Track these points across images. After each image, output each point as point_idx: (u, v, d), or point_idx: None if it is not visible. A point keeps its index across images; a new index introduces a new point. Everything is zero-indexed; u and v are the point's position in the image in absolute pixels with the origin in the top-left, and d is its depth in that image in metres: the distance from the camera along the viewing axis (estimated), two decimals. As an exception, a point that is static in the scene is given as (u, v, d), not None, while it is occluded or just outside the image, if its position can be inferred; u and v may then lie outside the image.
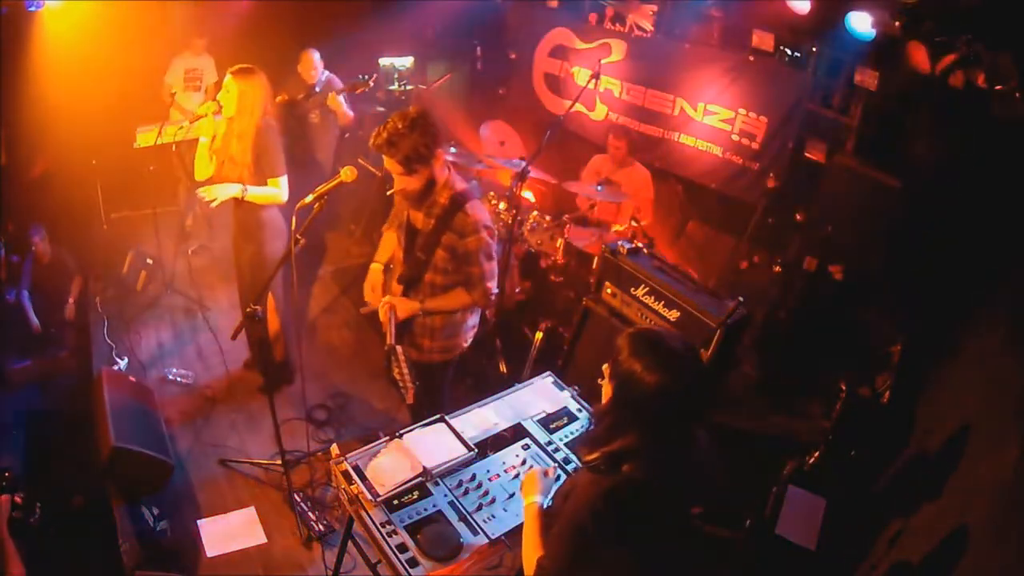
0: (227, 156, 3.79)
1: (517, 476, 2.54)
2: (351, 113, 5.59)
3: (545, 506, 2.12)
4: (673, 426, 1.82)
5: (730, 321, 3.52)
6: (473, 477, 2.53)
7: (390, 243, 3.29)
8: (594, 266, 4.41)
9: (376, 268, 3.28)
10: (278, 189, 3.83)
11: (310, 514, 3.61)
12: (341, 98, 5.42)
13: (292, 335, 4.46)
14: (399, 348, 3.00)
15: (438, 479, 2.50)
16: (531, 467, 2.56)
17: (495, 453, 2.65)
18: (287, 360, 4.55)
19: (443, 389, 3.41)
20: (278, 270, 3.26)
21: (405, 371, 2.96)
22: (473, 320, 3.33)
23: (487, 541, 2.30)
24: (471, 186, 3.08)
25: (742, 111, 5.23)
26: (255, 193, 3.80)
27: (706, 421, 1.99)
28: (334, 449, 2.86)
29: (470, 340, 3.36)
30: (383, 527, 2.31)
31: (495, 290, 3.12)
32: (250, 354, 4.63)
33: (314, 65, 5.41)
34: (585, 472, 1.89)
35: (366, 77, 5.33)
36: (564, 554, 1.86)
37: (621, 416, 1.83)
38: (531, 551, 1.98)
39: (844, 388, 3.73)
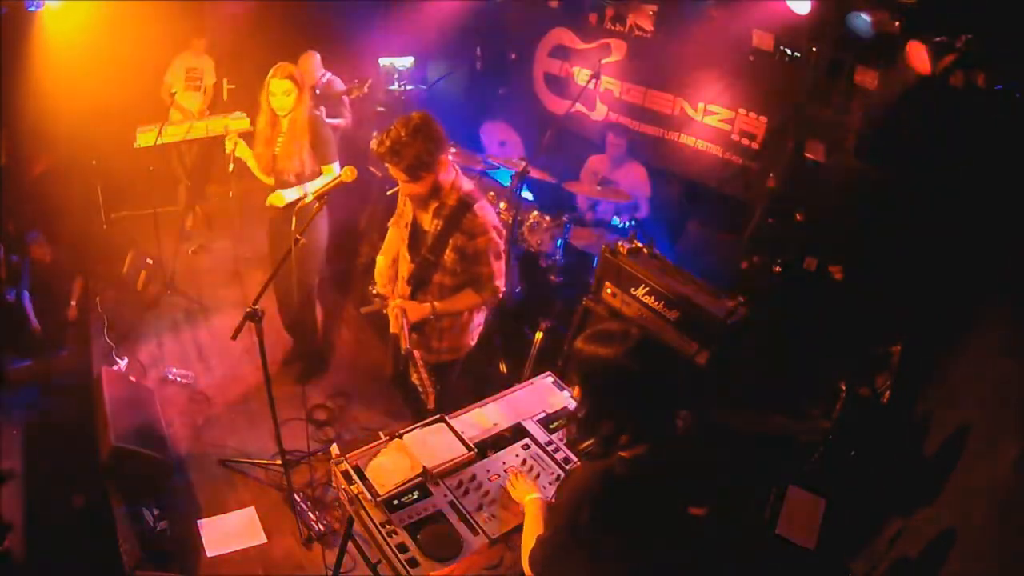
0: (279, 151, 3.89)
1: (518, 476, 2.54)
2: (348, 117, 5.61)
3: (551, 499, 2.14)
4: (648, 407, 1.82)
5: (730, 321, 3.52)
6: (473, 477, 2.52)
7: (395, 238, 3.30)
8: (594, 266, 4.41)
9: (382, 260, 3.30)
10: (332, 175, 3.84)
11: (310, 514, 3.61)
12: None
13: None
14: (417, 353, 2.99)
15: (438, 479, 2.50)
16: (509, 478, 2.50)
17: (495, 453, 2.64)
18: (323, 348, 4.71)
19: (451, 389, 3.42)
20: (279, 269, 3.26)
21: (424, 376, 2.94)
22: (480, 319, 3.34)
23: (487, 541, 2.30)
24: (476, 186, 3.08)
25: (742, 111, 5.23)
26: (315, 187, 3.84)
27: (696, 414, 2.00)
28: (334, 449, 2.86)
29: (476, 339, 3.37)
30: (383, 527, 2.31)
31: (503, 289, 3.13)
32: (292, 342, 4.70)
33: (314, 67, 5.41)
34: (582, 460, 1.93)
35: (359, 81, 5.35)
36: (560, 536, 1.88)
37: (594, 405, 1.86)
38: (531, 534, 2.01)
39: (844, 388, 3.74)
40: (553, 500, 2.06)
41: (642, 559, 1.87)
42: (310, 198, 3.11)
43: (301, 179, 3.95)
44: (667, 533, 1.91)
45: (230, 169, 4.11)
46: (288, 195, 3.97)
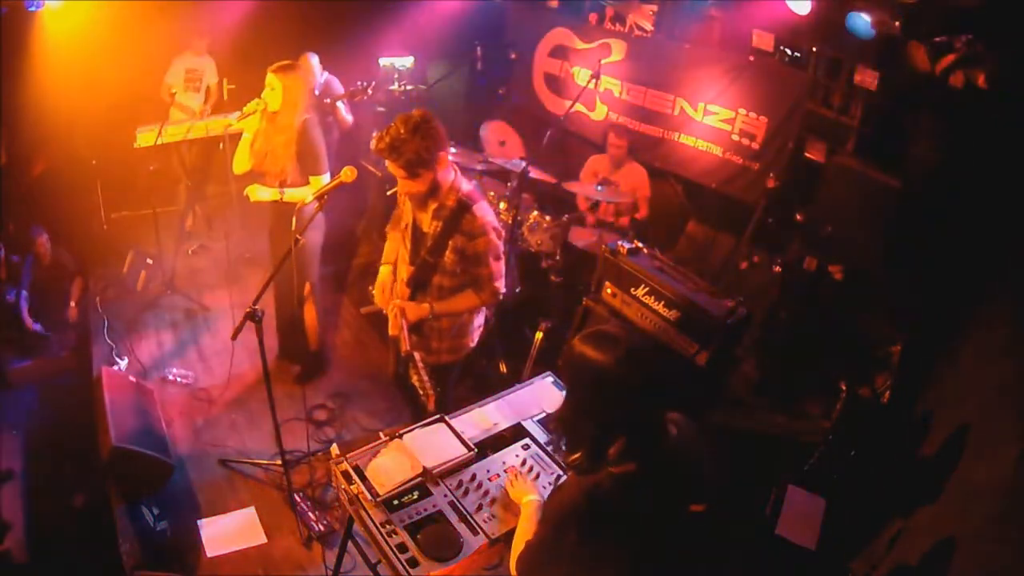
0: (269, 150, 3.89)
1: (517, 476, 2.54)
2: (350, 118, 5.59)
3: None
4: (632, 417, 1.78)
5: (730, 321, 3.52)
6: (473, 477, 2.52)
7: (395, 244, 3.29)
8: (594, 266, 4.42)
9: (386, 269, 3.28)
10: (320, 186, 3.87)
11: (310, 514, 3.61)
12: (340, 104, 5.42)
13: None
14: (417, 355, 2.98)
15: (438, 479, 2.50)
16: (508, 477, 2.48)
17: (495, 453, 2.64)
18: (321, 349, 4.67)
19: (450, 389, 3.41)
20: (279, 268, 3.26)
21: (425, 378, 2.94)
22: (479, 320, 3.34)
23: (487, 541, 2.30)
24: (475, 187, 3.08)
25: (742, 111, 5.23)
26: (292, 194, 3.91)
27: (693, 416, 1.99)
28: (334, 449, 2.86)
29: (476, 340, 3.37)
30: (383, 527, 2.31)
31: (503, 289, 3.13)
32: (279, 345, 4.68)
33: (311, 70, 5.41)
34: (571, 472, 1.91)
35: (364, 84, 5.33)
36: (546, 545, 1.87)
37: (574, 405, 1.84)
38: (522, 537, 2.01)
39: (844, 388, 3.74)
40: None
41: (628, 570, 1.85)
42: (309, 198, 3.10)
43: (284, 185, 3.94)
44: (657, 546, 1.89)
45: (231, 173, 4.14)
46: (261, 192, 3.95)
